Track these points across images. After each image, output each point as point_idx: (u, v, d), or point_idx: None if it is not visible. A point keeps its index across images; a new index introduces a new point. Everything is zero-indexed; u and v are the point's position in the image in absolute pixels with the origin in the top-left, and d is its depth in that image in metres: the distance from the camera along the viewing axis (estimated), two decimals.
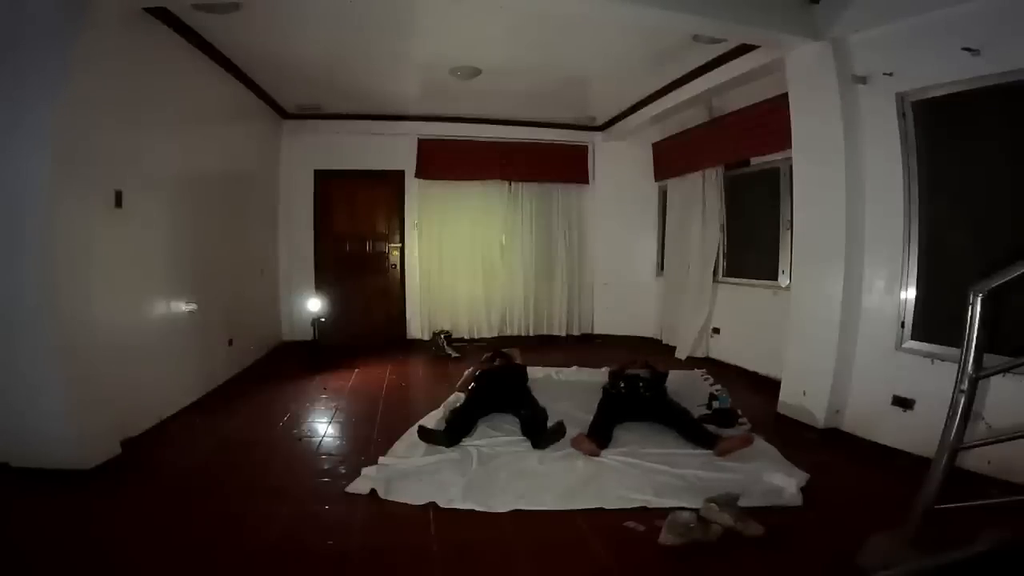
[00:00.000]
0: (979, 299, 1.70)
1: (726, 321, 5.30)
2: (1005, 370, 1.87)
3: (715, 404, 3.65)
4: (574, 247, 6.74)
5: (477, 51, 4.23)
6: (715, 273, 5.33)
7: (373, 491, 2.51)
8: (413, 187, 6.36)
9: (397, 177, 6.37)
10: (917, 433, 2.78)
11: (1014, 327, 2.46)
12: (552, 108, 5.92)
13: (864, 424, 3.22)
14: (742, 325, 5.06)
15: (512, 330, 6.61)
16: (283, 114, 5.94)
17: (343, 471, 2.80)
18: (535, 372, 4.36)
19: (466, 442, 3.11)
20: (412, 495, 2.48)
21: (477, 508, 2.39)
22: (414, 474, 2.71)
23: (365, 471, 2.72)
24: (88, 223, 2.75)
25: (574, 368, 4.91)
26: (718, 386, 4.12)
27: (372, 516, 2.36)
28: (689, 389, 4.08)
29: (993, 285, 1.69)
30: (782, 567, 2.01)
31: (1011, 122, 2.68)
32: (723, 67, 4.19)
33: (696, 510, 2.17)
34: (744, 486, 2.50)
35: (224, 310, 4.49)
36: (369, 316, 6.43)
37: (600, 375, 4.24)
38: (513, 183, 6.54)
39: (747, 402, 3.85)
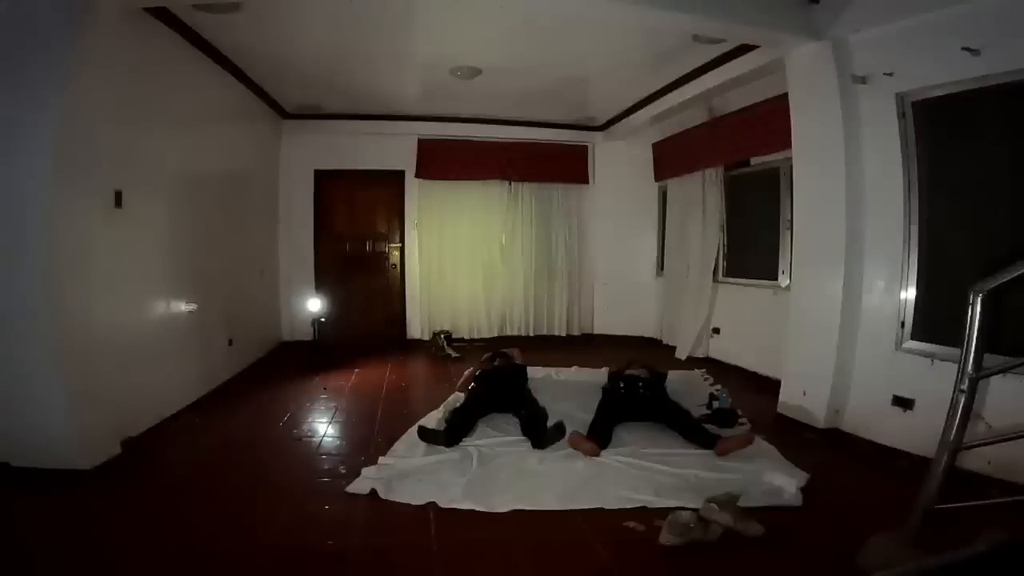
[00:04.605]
0: (979, 299, 1.70)
1: (726, 321, 5.30)
2: (1005, 370, 1.87)
3: (715, 404, 3.65)
4: (574, 247, 6.74)
5: (477, 51, 4.23)
6: (715, 273, 5.32)
7: (373, 491, 2.51)
8: (413, 187, 6.36)
9: (397, 177, 6.37)
10: (917, 433, 2.78)
11: (1014, 327, 2.46)
12: (552, 108, 5.92)
13: (864, 424, 3.22)
14: (742, 325, 5.06)
15: (512, 330, 6.62)
16: (283, 114, 5.94)
17: (343, 471, 2.80)
18: (535, 372, 4.35)
19: (466, 442, 3.11)
20: (412, 495, 2.48)
21: (477, 508, 2.39)
22: (414, 474, 2.71)
23: (365, 471, 2.72)
24: (88, 223, 2.75)
25: (574, 368, 4.91)
26: (718, 386, 4.12)
27: (372, 516, 2.36)
28: (689, 389, 4.08)
29: (993, 285, 1.69)
30: (782, 567, 2.01)
31: (1011, 122, 2.68)
32: (723, 67, 4.19)
33: (696, 510, 2.17)
34: (744, 486, 2.49)
35: (224, 310, 4.49)
36: (369, 316, 6.44)
37: (600, 375, 4.24)
38: (513, 183, 6.54)
39: (747, 402, 3.85)
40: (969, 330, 1.71)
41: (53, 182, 2.55)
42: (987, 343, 1.71)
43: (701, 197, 5.38)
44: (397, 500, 2.45)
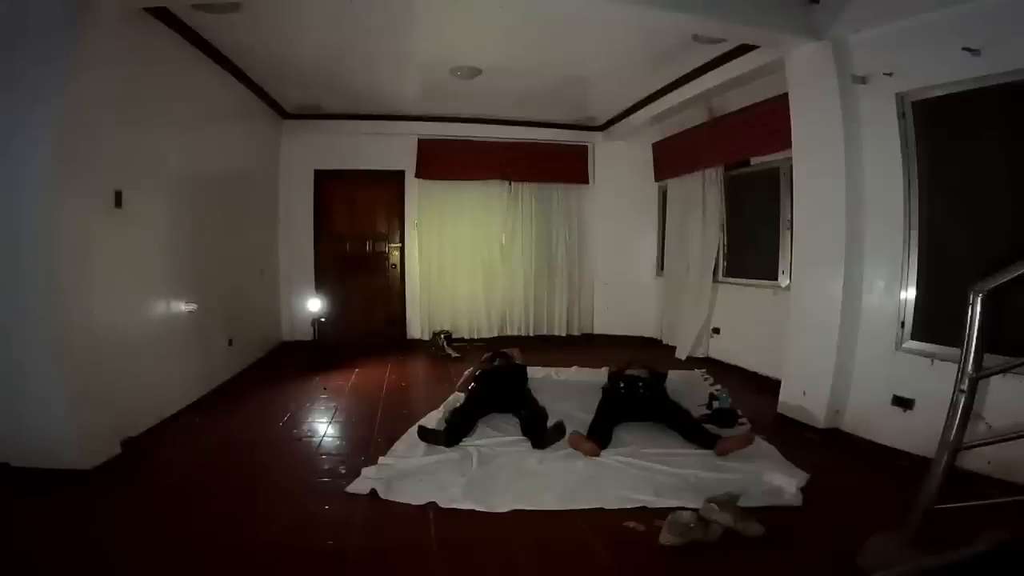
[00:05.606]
0: (979, 299, 1.70)
1: (726, 321, 5.30)
2: (1005, 370, 1.87)
3: (715, 404, 3.65)
4: (574, 247, 6.74)
5: (477, 51, 4.23)
6: (715, 273, 5.32)
7: (373, 491, 2.51)
8: (413, 187, 6.36)
9: (397, 177, 6.37)
10: (917, 433, 2.78)
11: (1014, 327, 2.45)
12: (552, 108, 5.93)
13: (864, 424, 3.22)
14: (742, 325, 5.06)
15: (512, 330, 6.62)
16: (283, 114, 5.94)
17: (343, 471, 2.80)
18: (535, 372, 4.35)
19: (466, 442, 3.11)
20: (412, 495, 2.48)
21: (477, 508, 2.39)
22: (414, 474, 2.71)
23: (365, 471, 2.72)
24: (88, 223, 2.75)
25: (574, 368, 4.91)
26: (718, 386, 4.12)
27: (372, 516, 2.36)
28: (689, 389, 4.08)
29: (993, 285, 1.69)
30: (782, 567, 2.01)
31: (1011, 122, 2.68)
32: (723, 67, 4.19)
33: (696, 510, 2.17)
34: (744, 486, 2.49)
35: (224, 310, 4.49)
36: (369, 316, 6.44)
37: (600, 375, 4.24)
38: (513, 183, 6.54)
39: (747, 402, 3.85)
40: (969, 330, 1.71)
41: (53, 182, 2.55)
42: (987, 343, 1.71)
43: (701, 197, 5.38)
44: (397, 500, 2.45)
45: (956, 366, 1.76)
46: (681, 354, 5.54)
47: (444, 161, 6.31)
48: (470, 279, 6.55)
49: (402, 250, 6.49)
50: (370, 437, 3.31)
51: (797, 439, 3.27)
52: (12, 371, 2.60)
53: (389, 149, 6.25)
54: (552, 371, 4.76)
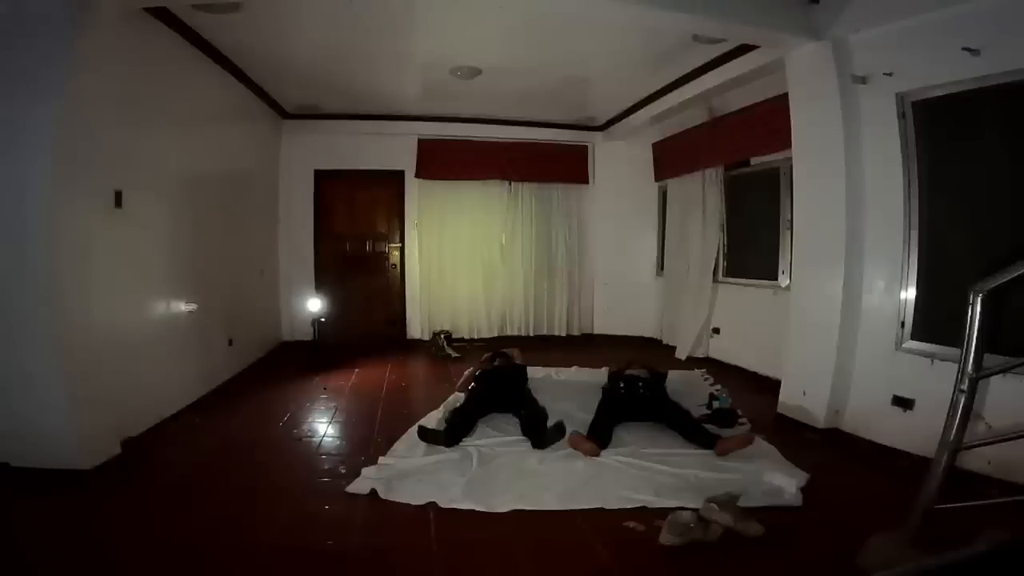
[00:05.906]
0: (979, 299, 1.70)
1: (726, 321, 5.30)
2: (1005, 370, 1.87)
3: (715, 404, 3.65)
4: (574, 247, 6.74)
5: (477, 51, 4.23)
6: (715, 273, 5.32)
7: (373, 491, 2.51)
8: (413, 187, 6.36)
9: (397, 177, 6.37)
10: (917, 433, 2.78)
11: (1014, 327, 2.45)
12: (552, 108, 5.93)
13: (864, 424, 3.22)
14: (742, 325, 5.06)
15: (512, 330, 6.62)
16: (283, 114, 5.94)
17: (343, 471, 2.80)
18: (535, 372, 4.35)
19: (466, 442, 3.11)
20: (412, 495, 2.48)
21: (477, 508, 2.39)
22: (414, 474, 2.71)
23: (365, 471, 2.72)
24: (88, 223, 2.75)
25: (574, 368, 4.91)
26: (718, 386, 4.12)
27: (372, 516, 2.36)
28: (689, 389, 4.08)
29: (993, 285, 1.69)
30: (782, 567, 2.01)
31: (1011, 122, 2.68)
32: (723, 67, 4.19)
33: (696, 510, 2.17)
34: (744, 486, 2.49)
35: (224, 310, 4.49)
36: (369, 316, 6.44)
37: (600, 375, 4.25)
38: (513, 183, 6.54)
39: (747, 402, 3.85)
40: (969, 330, 1.71)
41: (53, 182, 2.54)
42: (987, 343, 1.71)
43: (701, 197, 5.38)
44: (397, 500, 2.45)
45: (956, 366, 1.76)
46: (681, 354, 5.54)
47: (444, 161, 6.30)
48: (470, 279, 6.55)
49: (402, 250, 6.49)
50: (370, 437, 3.31)
51: (797, 439, 3.27)
52: (12, 371, 2.60)
53: (389, 149, 6.25)
54: (552, 371, 4.76)
